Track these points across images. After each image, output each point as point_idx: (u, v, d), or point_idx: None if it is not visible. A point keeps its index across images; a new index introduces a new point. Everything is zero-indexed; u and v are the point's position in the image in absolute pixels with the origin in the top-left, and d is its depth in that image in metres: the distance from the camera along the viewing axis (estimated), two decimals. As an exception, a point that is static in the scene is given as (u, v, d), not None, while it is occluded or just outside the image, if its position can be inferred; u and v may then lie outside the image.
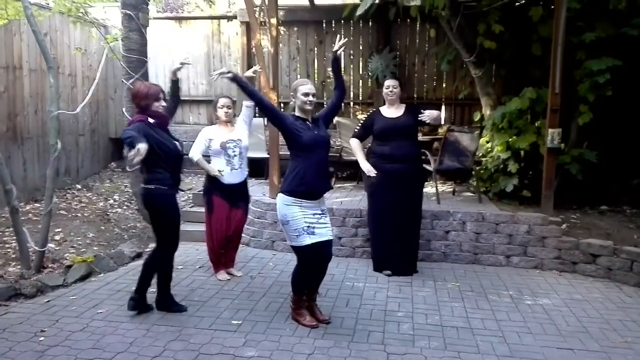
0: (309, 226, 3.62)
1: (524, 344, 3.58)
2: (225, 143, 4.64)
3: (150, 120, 3.82)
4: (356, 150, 5.10)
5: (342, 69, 4.19)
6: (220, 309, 4.13)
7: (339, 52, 3.91)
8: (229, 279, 4.79)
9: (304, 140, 3.63)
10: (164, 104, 3.95)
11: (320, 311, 3.94)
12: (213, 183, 4.70)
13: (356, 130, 5.20)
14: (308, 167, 3.63)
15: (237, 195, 4.77)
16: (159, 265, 4.03)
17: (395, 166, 4.84)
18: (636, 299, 4.46)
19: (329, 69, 8.57)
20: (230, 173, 4.68)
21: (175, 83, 4.36)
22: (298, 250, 3.69)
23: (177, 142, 3.95)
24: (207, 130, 4.80)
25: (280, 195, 3.69)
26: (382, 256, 5.01)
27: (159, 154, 3.76)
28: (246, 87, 3.75)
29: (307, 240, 3.62)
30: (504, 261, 5.33)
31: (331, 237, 3.78)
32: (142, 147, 3.35)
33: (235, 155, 4.68)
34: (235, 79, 3.72)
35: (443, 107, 8.35)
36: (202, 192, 4.97)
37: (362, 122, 5.24)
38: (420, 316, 4.04)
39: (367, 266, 5.21)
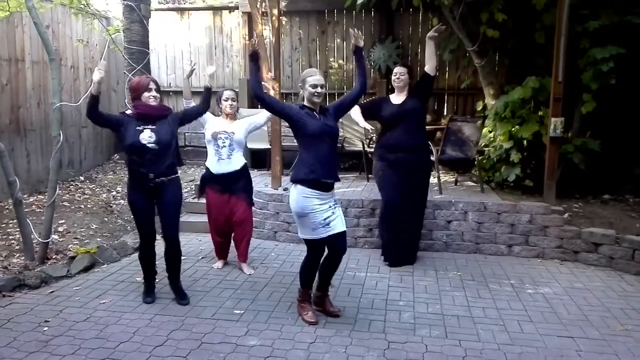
0: (325, 219, 3.57)
1: (525, 332, 3.60)
2: (217, 133, 4.65)
3: (128, 112, 3.90)
4: (355, 113, 4.91)
5: (366, 64, 4.02)
6: (222, 299, 4.16)
7: (358, 44, 3.84)
8: (220, 268, 4.85)
9: (310, 128, 3.59)
10: (154, 94, 3.91)
11: (331, 302, 3.92)
12: (206, 172, 4.78)
13: (362, 102, 5.07)
14: (316, 155, 3.58)
15: (230, 185, 4.72)
16: (139, 254, 4.18)
17: (400, 156, 4.80)
18: (637, 287, 4.46)
19: (331, 59, 8.58)
20: (217, 163, 4.67)
21: (205, 91, 4.31)
22: (310, 243, 3.66)
23: (150, 133, 3.83)
24: (211, 117, 4.77)
25: (296, 186, 3.61)
26: (389, 245, 5.01)
27: (125, 144, 3.86)
28: (252, 80, 3.72)
29: (324, 233, 3.57)
30: (505, 250, 5.34)
31: (345, 229, 3.71)
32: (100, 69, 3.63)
33: (224, 147, 4.65)
34: (254, 61, 3.71)
35: (446, 97, 8.34)
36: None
37: (372, 98, 5.09)
38: (422, 305, 4.06)
39: (369, 256, 5.23)
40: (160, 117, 3.95)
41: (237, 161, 4.72)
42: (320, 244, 3.64)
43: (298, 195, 3.58)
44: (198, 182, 6.86)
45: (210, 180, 4.75)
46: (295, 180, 3.63)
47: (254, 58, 3.71)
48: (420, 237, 5.22)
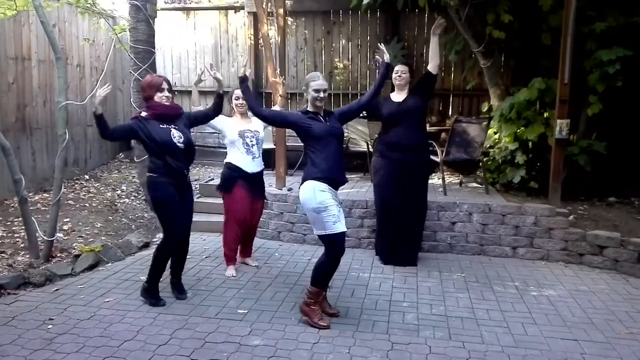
0: (337, 214, 3.59)
1: (529, 335, 3.59)
2: (243, 132, 4.64)
3: (144, 114, 3.87)
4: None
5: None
6: (226, 299, 4.16)
7: (384, 59, 3.93)
8: (234, 276, 4.68)
9: (315, 132, 3.62)
10: (167, 94, 3.90)
11: (330, 304, 3.90)
12: (236, 171, 4.64)
13: None
14: (327, 156, 3.60)
15: (257, 185, 4.76)
16: (156, 252, 4.04)
17: (401, 155, 4.79)
18: (643, 290, 4.44)
19: (336, 59, 8.58)
20: (252, 162, 4.67)
21: (217, 96, 4.22)
22: (331, 238, 3.57)
23: (179, 133, 3.87)
24: (225, 119, 4.73)
25: (310, 182, 3.58)
26: (385, 245, 5.00)
27: (151, 145, 3.83)
28: (248, 101, 3.92)
29: (340, 227, 3.57)
30: (510, 252, 5.32)
31: (346, 230, 3.69)
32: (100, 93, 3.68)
33: (254, 145, 4.68)
34: (244, 86, 3.88)
35: (451, 98, 8.32)
36: (216, 182, 4.93)
37: None
38: (425, 306, 4.05)
39: (373, 257, 5.22)
40: (178, 116, 3.99)
41: (262, 159, 4.85)
42: (341, 239, 3.59)
43: (315, 191, 3.55)
44: (203, 182, 6.92)
45: (242, 180, 4.65)
46: (310, 178, 3.60)
47: (243, 80, 3.85)
48: (422, 237, 5.20)
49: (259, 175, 4.79)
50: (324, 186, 3.57)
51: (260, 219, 5.07)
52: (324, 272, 3.69)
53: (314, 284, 3.70)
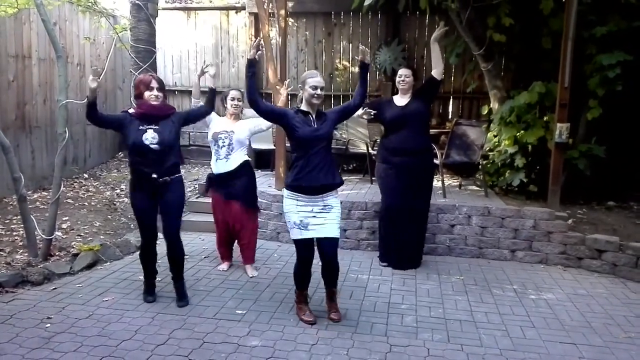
0: (301, 221, 3.60)
1: (527, 338, 3.59)
2: (217, 134, 4.64)
3: (131, 111, 3.88)
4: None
5: (368, 79, 4.10)
6: (224, 299, 4.16)
7: (366, 60, 3.90)
8: (225, 270, 4.82)
9: (299, 135, 3.61)
10: (156, 93, 3.84)
11: (336, 308, 3.86)
12: (211, 173, 4.80)
13: (365, 102, 5.01)
14: (304, 162, 3.61)
15: (228, 187, 4.65)
16: (140, 253, 4.17)
17: (404, 159, 4.77)
18: (641, 295, 4.44)
19: (337, 61, 8.59)
20: (216, 163, 4.67)
21: (209, 92, 4.22)
22: (295, 243, 3.72)
23: (154, 134, 3.77)
24: (215, 117, 4.76)
25: (284, 189, 3.75)
26: (391, 249, 4.99)
27: (126, 142, 3.86)
28: (247, 87, 3.70)
29: (298, 235, 3.64)
30: (508, 255, 5.32)
31: (331, 235, 3.65)
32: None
33: (223, 146, 4.62)
34: (251, 71, 3.67)
35: (451, 100, 8.33)
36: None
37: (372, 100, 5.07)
38: (424, 309, 4.05)
39: (372, 259, 5.22)
40: (164, 116, 3.89)
41: (235, 160, 4.64)
42: (302, 246, 3.67)
43: (284, 197, 3.74)
44: (202, 182, 6.93)
45: (214, 181, 4.74)
46: (285, 184, 3.76)
47: (252, 64, 3.66)
48: (425, 240, 5.20)
49: (226, 177, 4.64)
50: (287, 193, 3.68)
51: (249, 227, 4.77)
52: (294, 274, 3.86)
53: (295, 284, 3.90)
